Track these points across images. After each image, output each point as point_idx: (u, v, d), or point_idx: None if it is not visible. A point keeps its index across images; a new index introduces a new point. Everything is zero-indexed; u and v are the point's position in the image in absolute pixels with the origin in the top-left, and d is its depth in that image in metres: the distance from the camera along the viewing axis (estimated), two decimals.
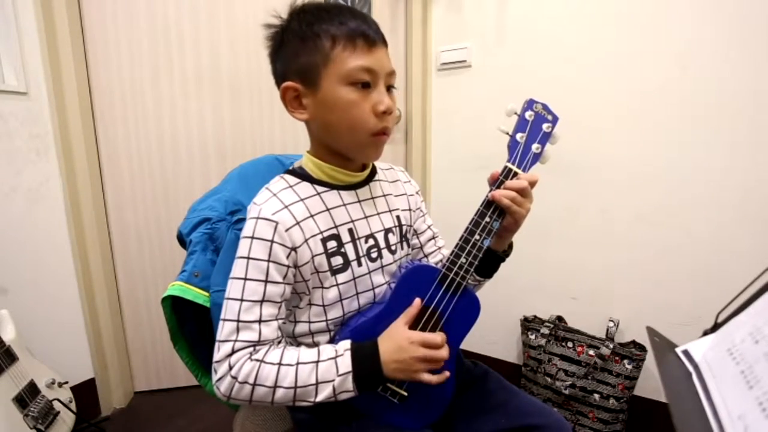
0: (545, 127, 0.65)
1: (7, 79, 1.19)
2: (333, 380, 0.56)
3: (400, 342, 0.59)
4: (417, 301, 0.62)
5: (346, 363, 0.57)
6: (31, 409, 1.06)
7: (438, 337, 0.60)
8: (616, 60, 1.24)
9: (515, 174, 0.63)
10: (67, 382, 1.23)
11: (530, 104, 0.64)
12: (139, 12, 1.35)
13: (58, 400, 1.15)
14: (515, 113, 0.64)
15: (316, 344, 0.64)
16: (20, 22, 1.18)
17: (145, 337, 1.54)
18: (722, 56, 1.10)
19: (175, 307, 0.71)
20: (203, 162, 1.47)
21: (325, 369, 0.56)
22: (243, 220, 0.74)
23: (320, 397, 0.56)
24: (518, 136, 0.64)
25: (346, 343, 0.59)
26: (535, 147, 0.64)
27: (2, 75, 1.18)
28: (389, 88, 0.62)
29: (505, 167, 0.63)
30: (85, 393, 1.38)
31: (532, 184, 0.63)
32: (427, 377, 0.59)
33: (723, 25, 1.09)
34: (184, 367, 0.78)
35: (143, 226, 1.47)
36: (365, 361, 0.57)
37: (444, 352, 0.60)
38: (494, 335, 1.57)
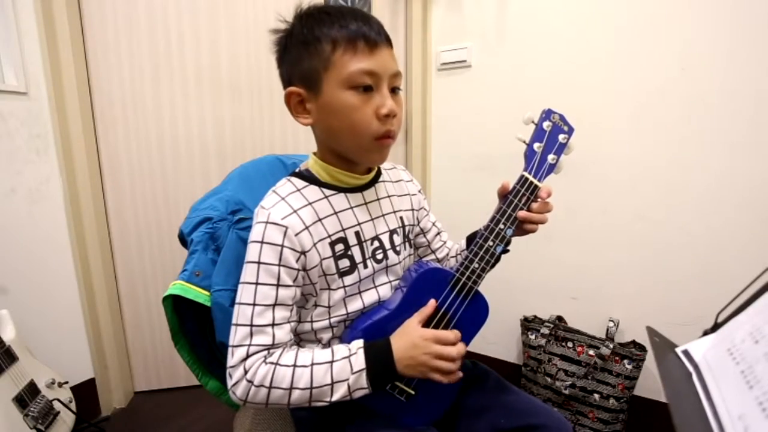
0: (561, 137, 0.65)
1: (7, 79, 1.19)
2: (347, 379, 0.56)
3: (414, 339, 0.59)
4: (432, 302, 0.63)
5: (359, 360, 0.57)
6: (31, 409, 1.06)
7: (451, 334, 0.60)
8: (616, 60, 1.24)
9: (531, 183, 0.64)
10: (67, 382, 1.23)
11: (548, 114, 0.64)
12: (139, 12, 1.35)
13: (58, 400, 1.15)
14: (533, 122, 0.64)
15: (318, 340, 0.64)
16: (20, 22, 1.18)
17: (145, 337, 1.53)
18: (722, 56, 1.10)
19: (176, 306, 0.72)
20: (203, 162, 1.47)
21: (340, 368, 0.56)
22: (244, 219, 0.73)
23: (336, 396, 0.56)
24: (535, 145, 0.64)
25: (359, 342, 0.59)
26: (551, 157, 0.65)
27: (2, 75, 1.18)
28: (394, 89, 0.61)
29: (522, 176, 0.64)
30: (85, 393, 1.38)
31: (548, 195, 0.65)
32: (438, 377, 0.59)
33: (723, 25, 1.09)
34: (184, 367, 0.78)
35: (143, 225, 1.47)
36: (378, 357, 0.57)
37: (457, 349, 0.60)
38: (494, 335, 1.57)
